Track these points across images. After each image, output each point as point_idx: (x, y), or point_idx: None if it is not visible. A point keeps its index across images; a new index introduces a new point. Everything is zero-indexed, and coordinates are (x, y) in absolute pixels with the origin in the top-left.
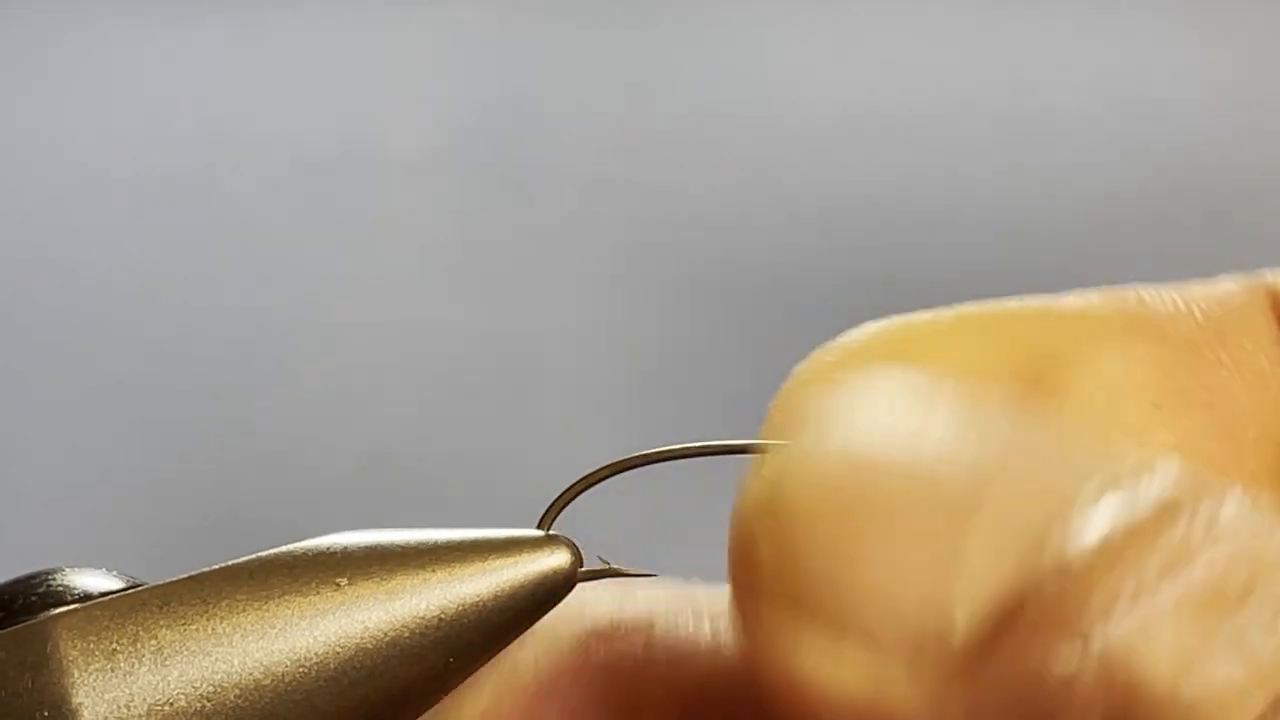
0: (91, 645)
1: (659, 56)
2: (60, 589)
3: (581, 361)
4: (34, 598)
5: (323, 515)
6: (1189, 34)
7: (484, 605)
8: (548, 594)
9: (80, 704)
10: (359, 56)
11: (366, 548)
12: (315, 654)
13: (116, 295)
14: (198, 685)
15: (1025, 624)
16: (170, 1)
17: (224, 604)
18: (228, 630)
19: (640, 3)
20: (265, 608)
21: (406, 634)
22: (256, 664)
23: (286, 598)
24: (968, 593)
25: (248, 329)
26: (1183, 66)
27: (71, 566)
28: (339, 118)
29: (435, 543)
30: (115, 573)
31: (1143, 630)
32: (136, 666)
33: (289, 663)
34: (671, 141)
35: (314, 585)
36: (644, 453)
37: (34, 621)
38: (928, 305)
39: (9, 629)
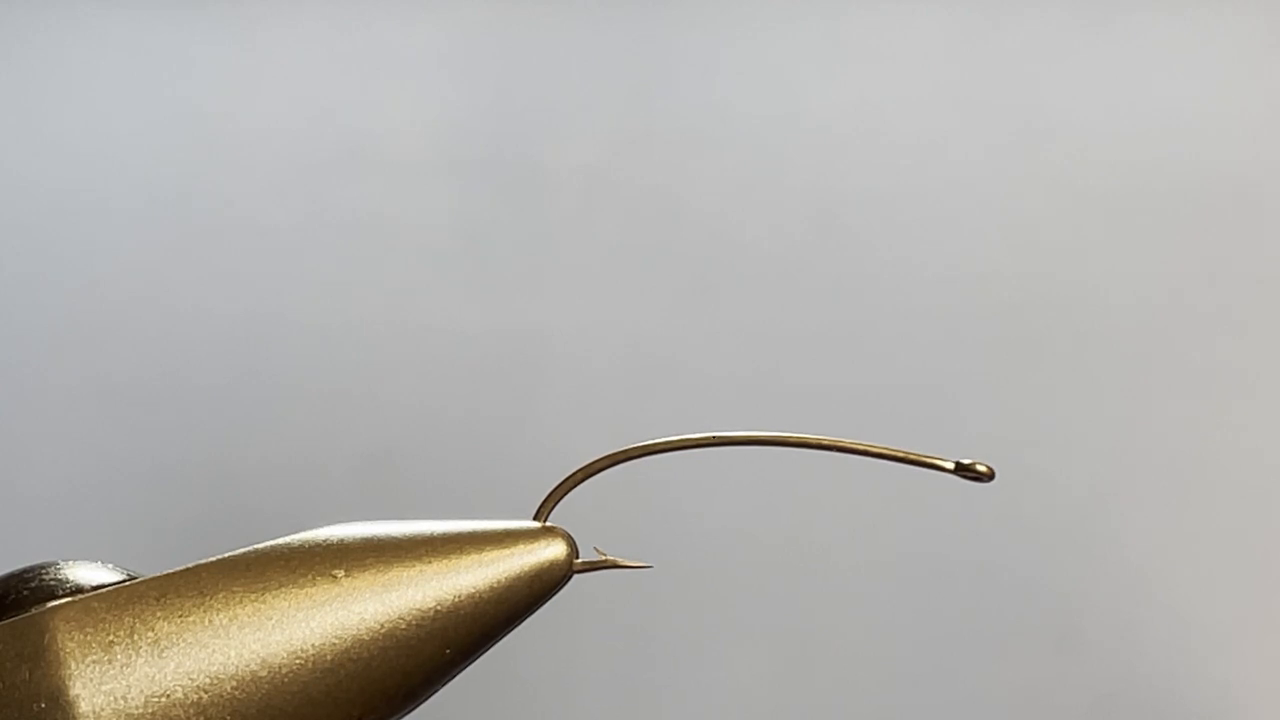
0: (89, 637)
1: (659, 56)
2: (57, 581)
3: (580, 359)
4: (31, 590)
5: (323, 513)
6: (1189, 34)
7: (480, 597)
8: (544, 585)
9: (77, 695)
10: (359, 56)
11: (363, 539)
12: (312, 645)
13: (116, 295)
14: (194, 677)
15: None
16: (170, 1)
17: (221, 596)
18: (224, 622)
19: (640, 3)
20: (262, 599)
21: (403, 625)
22: (253, 655)
23: (283, 589)
24: None
25: (248, 328)
26: (1183, 66)
27: (69, 559)
28: (339, 117)
29: (432, 535)
30: (112, 565)
31: None
32: (133, 658)
33: (286, 654)
34: (672, 141)
35: (311, 577)
36: (640, 445)
37: (31, 614)
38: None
39: (6, 621)
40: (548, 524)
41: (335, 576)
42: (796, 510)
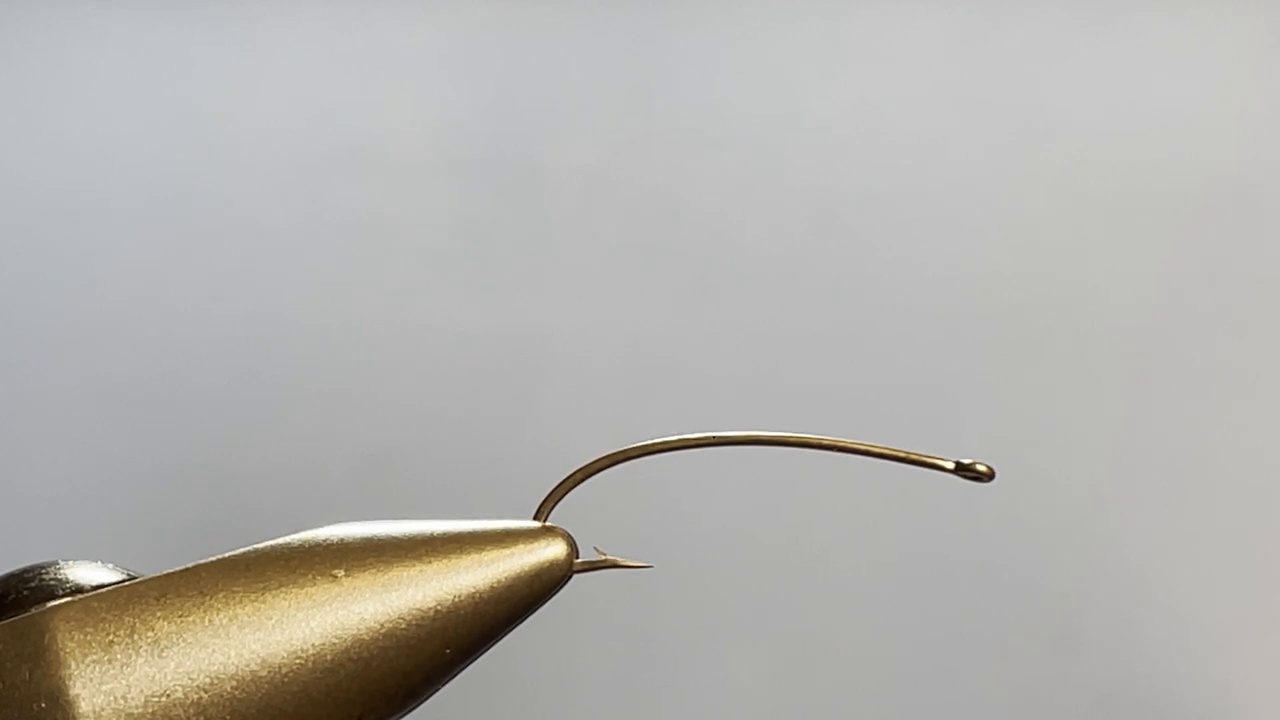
0: (89, 637)
1: (659, 56)
2: (57, 581)
3: (580, 359)
4: (31, 590)
5: (323, 513)
6: (1189, 34)
7: (480, 597)
8: (544, 585)
9: (77, 695)
10: (359, 56)
11: (363, 539)
12: (312, 645)
13: (116, 295)
14: (194, 677)
15: None
16: (170, 1)
17: (221, 596)
18: (224, 622)
19: (640, 3)
20: (262, 599)
21: (403, 625)
22: (253, 655)
23: (283, 589)
24: None
25: (248, 328)
26: (1183, 66)
27: (68, 559)
28: (339, 117)
29: (432, 534)
30: (112, 565)
31: None
32: (133, 658)
33: (286, 654)
34: (672, 141)
35: (311, 577)
36: (640, 445)
37: (31, 614)
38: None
39: (6, 621)
40: (548, 524)
41: (335, 576)
42: (796, 510)
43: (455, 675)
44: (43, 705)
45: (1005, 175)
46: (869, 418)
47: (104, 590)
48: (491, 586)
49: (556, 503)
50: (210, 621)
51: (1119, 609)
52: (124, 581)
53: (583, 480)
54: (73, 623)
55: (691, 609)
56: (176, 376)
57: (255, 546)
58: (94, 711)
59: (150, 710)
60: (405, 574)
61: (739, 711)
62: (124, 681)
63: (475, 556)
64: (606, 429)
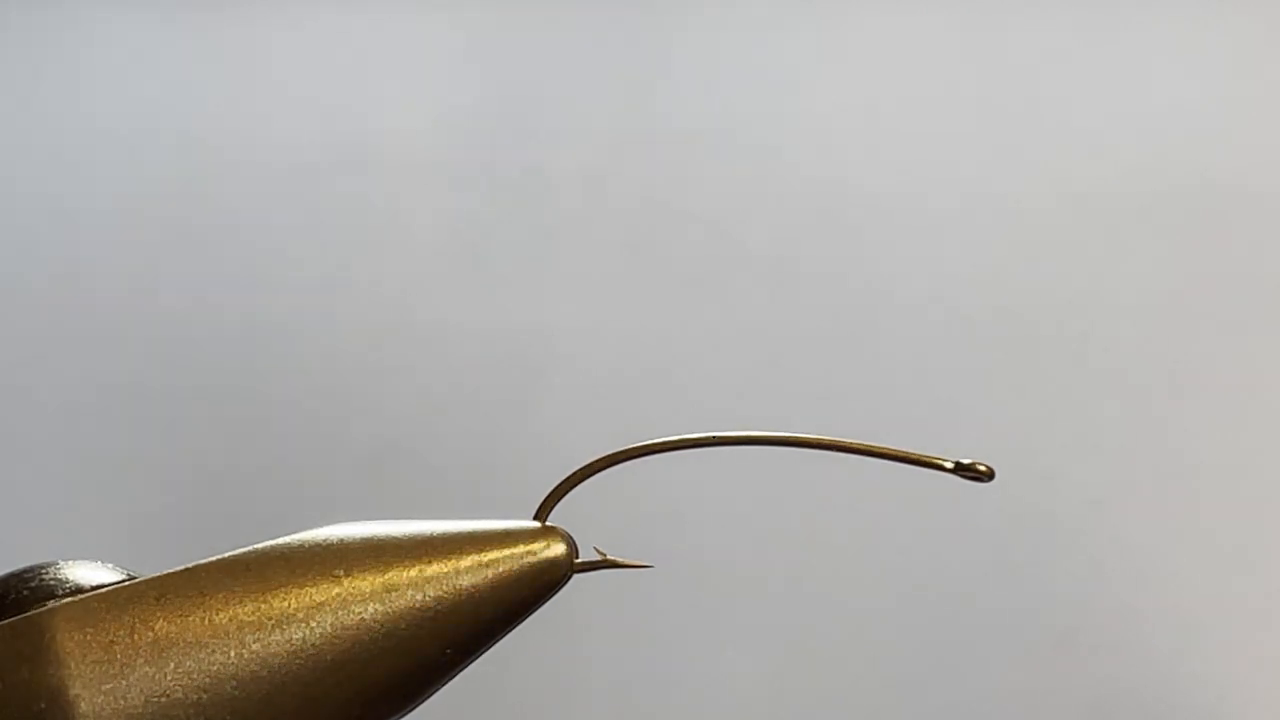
0: (89, 637)
1: (659, 56)
2: (57, 581)
3: (580, 359)
4: (31, 590)
5: (323, 513)
6: (1190, 34)
7: (480, 597)
8: (544, 585)
9: (77, 695)
10: (358, 56)
11: (364, 540)
12: (312, 645)
13: (117, 295)
14: (194, 677)
15: None
16: (170, 1)
17: (221, 596)
18: (224, 622)
19: (640, 3)
20: (262, 599)
21: (403, 626)
22: (253, 656)
23: (284, 589)
24: None
25: (248, 328)
26: (1184, 67)
27: (68, 559)
28: (338, 118)
29: (432, 535)
30: (112, 565)
31: None
32: (133, 658)
33: (286, 654)
34: (672, 141)
35: (311, 577)
36: (640, 445)
37: (31, 614)
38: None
39: (6, 621)
40: (548, 524)
41: (335, 577)
42: (797, 510)
43: (455, 675)
44: (43, 705)
45: (1005, 175)
46: (869, 418)
47: (104, 590)
48: (491, 587)
49: (556, 503)
50: (210, 622)
51: (1119, 609)
52: (124, 581)
53: (583, 480)
54: (73, 623)
55: (691, 609)
56: (176, 376)
57: (255, 546)
58: (94, 711)
59: (150, 710)
60: (405, 574)
61: (739, 711)
62: (124, 681)
63: (475, 557)
64: (606, 429)
